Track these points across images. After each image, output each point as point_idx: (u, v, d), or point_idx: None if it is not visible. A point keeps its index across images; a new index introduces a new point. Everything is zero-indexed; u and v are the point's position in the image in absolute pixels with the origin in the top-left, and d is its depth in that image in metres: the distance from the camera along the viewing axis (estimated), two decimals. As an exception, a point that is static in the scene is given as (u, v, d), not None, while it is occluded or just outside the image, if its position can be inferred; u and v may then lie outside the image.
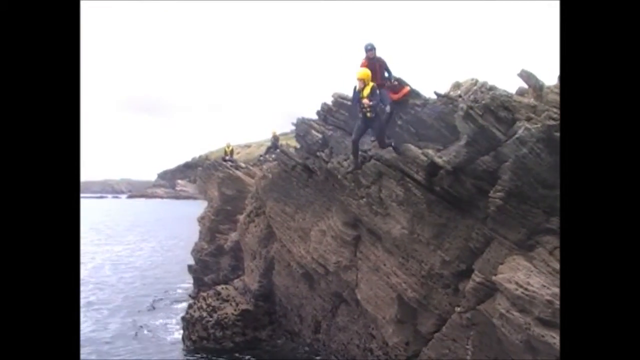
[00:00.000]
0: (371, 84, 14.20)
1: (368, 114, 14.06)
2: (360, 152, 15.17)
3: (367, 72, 14.41)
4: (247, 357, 18.84)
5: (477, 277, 12.57)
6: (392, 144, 14.38)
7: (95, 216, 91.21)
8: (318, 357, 17.85)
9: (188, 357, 19.85)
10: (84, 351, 21.14)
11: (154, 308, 28.18)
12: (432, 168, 13.17)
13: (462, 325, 13.27)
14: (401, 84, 15.82)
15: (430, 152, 13.45)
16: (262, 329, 20.13)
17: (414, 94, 15.67)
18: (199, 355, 19.84)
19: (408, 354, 14.77)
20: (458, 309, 13.30)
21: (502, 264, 11.85)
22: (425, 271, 13.74)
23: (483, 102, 12.32)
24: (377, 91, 14.45)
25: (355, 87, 14.51)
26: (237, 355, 18.96)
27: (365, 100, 14.22)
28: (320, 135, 17.52)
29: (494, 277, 11.72)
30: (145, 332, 23.70)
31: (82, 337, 23.31)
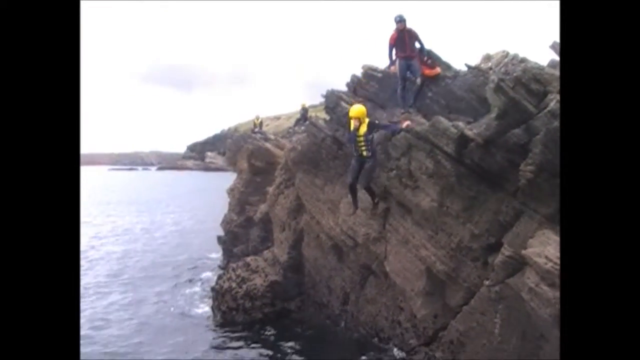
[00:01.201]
0: (367, 120, 13.63)
1: (364, 153, 13.60)
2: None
3: (362, 110, 13.84)
4: (272, 330, 18.99)
5: (506, 250, 12.53)
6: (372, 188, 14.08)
7: (125, 188, 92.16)
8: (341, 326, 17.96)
9: (218, 332, 20.10)
10: (113, 317, 21.50)
11: (183, 279, 28.49)
12: (463, 140, 13.09)
13: (490, 299, 13.26)
14: (433, 60, 15.67)
15: (461, 124, 13.36)
16: (291, 300, 20.27)
17: (444, 66, 15.54)
18: (228, 329, 20.05)
19: (436, 326, 14.81)
20: (487, 283, 13.28)
21: (531, 237, 11.79)
22: (454, 244, 13.73)
23: (514, 74, 12.19)
24: (376, 122, 14.06)
25: (350, 126, 13.89)
26: (265, 327, 19.13)
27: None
28: (349, 107, 17.46)
29: (523, 251, 11.68)
30: (174, 302, 23.99)
31: (111, 304, 23.72)
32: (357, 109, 13.61)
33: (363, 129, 13.44)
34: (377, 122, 14.06)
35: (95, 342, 18.68)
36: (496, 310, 13.28)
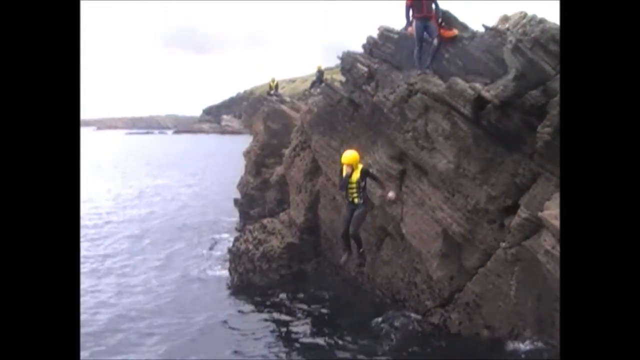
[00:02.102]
0: (360, 166, 13.25)
1: (355, 200, 13.33)
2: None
3: (355, 156, 13.23)
4: (289, 291, 19.14)
5: (523, 213, 12.53)
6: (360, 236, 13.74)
7: (142, 152, 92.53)
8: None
9: (235, 293, 20.29)
10: (132, 281, 21.75)
11: (200, 241, 28.71)
12: (480, 102, 13.01)
13: (506, 261, 13.29)
14: (449, 23, 15.47)
15: (478, 85, 13.25)
16: (307, 262, 20.38)
17: (461, 27, 15.36)
18: (244, 290, 20.22)
19: (452, 288, 14.88)
20: (503, 245, 13.30)
21: (548, 200, 11.78)
22: (470, 206, 13.72)
23: (532, 35, 12.06)
24: (369, 170, 13.63)
25: (343, 172, 13.25)
26: (281, 289, 19.29)
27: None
28: (366, 69, 17.33)
29: (540, 213, 11.67)
30: (191, 264, 24.22)
31: (129, 267, 24.00)
32: (349, 156, 13.08)
33: (356, 175, 12.95)
34: (370, 170, 13.69)
35: (115, 305, 18.95)
36: (512, 273, 13.33)
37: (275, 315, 17.40)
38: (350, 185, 12.98)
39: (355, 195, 13.00)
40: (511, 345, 13.52)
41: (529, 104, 12.11)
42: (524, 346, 13.38)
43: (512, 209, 13.10)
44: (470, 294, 14.39)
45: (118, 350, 15.07)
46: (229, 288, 20.62)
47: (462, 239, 14.13)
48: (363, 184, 13.00)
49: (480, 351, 13.93)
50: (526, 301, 13.29)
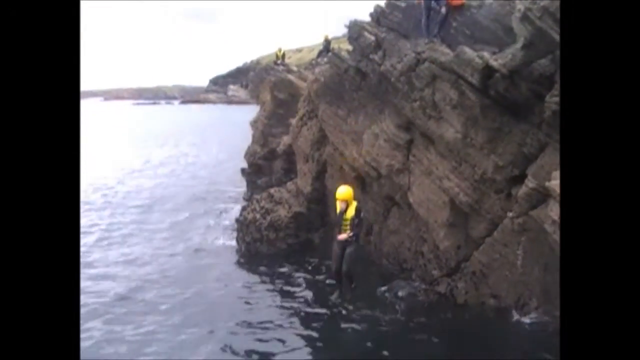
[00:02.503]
0: (354, 203, 13.09)
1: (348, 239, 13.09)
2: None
3: (349, 192, 13.27)
4: (296, 261, 19.21)
5: (530, 182, 12.50)
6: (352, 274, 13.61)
7: (148, 122, 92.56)
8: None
9: (242, 262, 20.38)
10: (141, 251, 21.87)
11: (207, 211, 28.80)
12: (487, 71, 12.92)
13: (513, 231, 13.30)
14: None
15: (486, 54, 13.16)
16: (314, 231, 20.42)
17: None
18: (252, 260, 20.31)
19: (459, 257, 14.92)
20: (510, 215, 13.31)
21: (556, 170, 11.73)
22: (478, 175, 13.70)
23: (541, 3, 11.92)
24: (362, 213, 13.50)
25: (337, 208, 13.32)
26: (289, 258, 19.37)
27: (344, 235, 13.33)
28: (373, 38, 17.21)
29: (547, 183, 11.64)
30: (198, 234, 24.31)
31: (137, 237, 24.11)
32: (344, 192, 13.06)
33: (351, 212, 12.86)
34: (362, 213, 13.55)
35: (124, 275, 19.07)
36: (519, 242, 13.34)
37: (282, 284, 17.47)
38: (344, 222, 12.83)
39: (348, 231, 12.88)
40: (516, 317, 13.60)
41: (538, 73, 12.03)
42: (529, 319, 13.46)
43: (520, 179, 13.08)
44: (477, 264, 14.43)
45: (127, 320, 15.18)
46: (236, 258, 20.71)
47: (469, 209, 14.14)
48: (357, 220, 12.85)
49: (485, 321, 14.01)
50: (532, 271, 13.32)
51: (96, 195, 32.86)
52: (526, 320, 13.47)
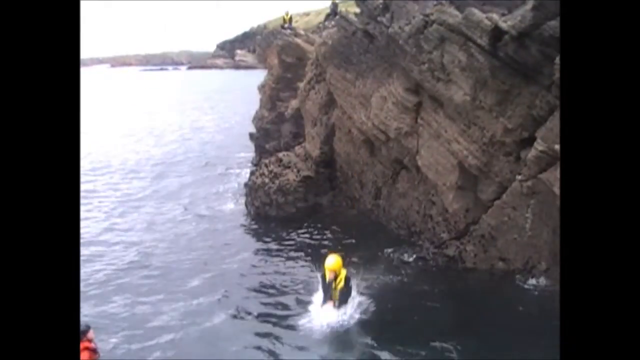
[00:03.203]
0: (343, 272, 12.55)
1: (335, 303, 12.55)
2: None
3: (338, 262, 12.68)
4: (305, 224, 19.27)
5: (539, 145, 12.43)
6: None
7: (156, 88, 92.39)
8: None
9: (251, 226, 20.45)
10: (146, 217, 21.98)
11: (215, 176, 28.86)
12: (497, 33, 12.79)
13: (522, 194, 13.28)
14: None
15: (495, 16, 13.02)
16: (323, 194, 20.44)
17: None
18: (261, 223, 20.38)
19: (467, 220, 14.92)
20: (519, 177, 13.27)
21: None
22: (487, 138, 13.64)
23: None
24: (350, 282, 12.85)
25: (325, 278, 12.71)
26: (297, 221, 19.42)
27: (329, 306, 12.64)
28: (381, 0, 17.04)
29: (556, 146, 11.58)
30: (207, 199, 24.39)
31: (146, 204, 24.22)
32: (333, 263, 12.52)
33: (340, 284, 12.53)
34: (351, 282, 13.00)
35: (137, 244, 19.21)
36: (528, 205, 13.32)
37: (290, 248, 17.56)
38: (333, 292, 12.62)
39: (335, 300, 12.65)
40: (525, 282, 13.64)
41: (547, 35, 11.89)
42: (537, 283, 13.49)
43: (529, 142, 13.01)
44: (486, 227, 14.43)
45: (141, 285, 15.37)
46: (245, 222, 20.78)
47: (478, 172, 14.10)
48: (345, 290, 12.64)
49: (493, 285, 14.06)
50: (541, 234, 13.32)
51: (106, 163, 32.97)
52: (534, 284, 13.52)
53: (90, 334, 11.77)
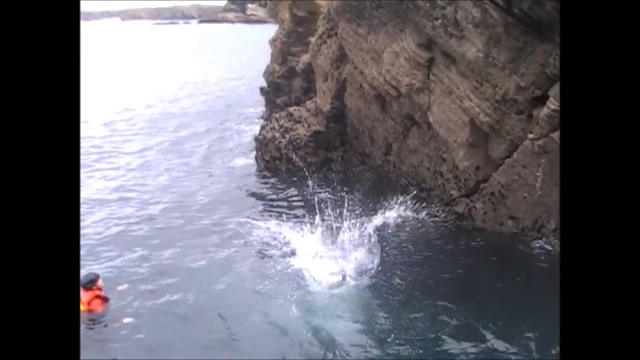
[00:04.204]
0: None
1: None
2: None
3: None
4: (315, 179, 19.30)
5: (552, 104, 12.33)
6: None
7: (167, 42, 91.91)
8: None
9: (262, 179, 20.52)
10: (154, 175, 22.05)
11: (225, 130, 28.88)
12: (512, -12, 12.62)
13: (533, 152, 13.22)
14: None
15: (511, -30, 12.83)
16: (333, 150, 20.44)
17: None
18: (271, 177, 20.46)
19: (478, 178, 14.90)
20: (530, 136, 13.19)
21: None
22: (499, 96, 13.53)
23: None
24: None
25: None
26: (307, 176, 19.45)
27: None
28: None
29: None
30: (217, 153, 24.45)
31: (164, 157, 24.31)
32: None
33: None
34: None
35: (149, 199, 19.30)
36: (539, 164, 13.27)
37: (301, 199, 17.65)
38: None
39: None
40: (533, 243, 13.69)
41: (563, -9, 11.71)
42: (545, 244, 13.53)
43: (541, 100, 12.90)
44: (496, 185, 14.42)
45: (151, 235, 15.55)
46: (255, 175, 20.87)
47: (489, 129, 14.03)
48: None
49: (501, 245, 14.11)
50: (551, 193, 13.29)
51: (119, 119, 33.04)
52: (542, 245, 13.56)
53: (100, 283, 12.04)
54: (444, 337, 10.70)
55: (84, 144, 25.34)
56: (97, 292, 11.88)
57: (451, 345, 10.49)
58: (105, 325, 11.51)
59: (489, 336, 10.61)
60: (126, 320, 11.60)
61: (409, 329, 11.01)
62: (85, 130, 28.20)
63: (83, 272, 11.96)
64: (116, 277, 13.20)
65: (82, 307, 11.54)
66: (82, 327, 11.17)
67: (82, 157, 23.26)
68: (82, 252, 14.25)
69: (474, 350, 10.32)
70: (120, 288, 12.68)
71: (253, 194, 19.05)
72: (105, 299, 12.00)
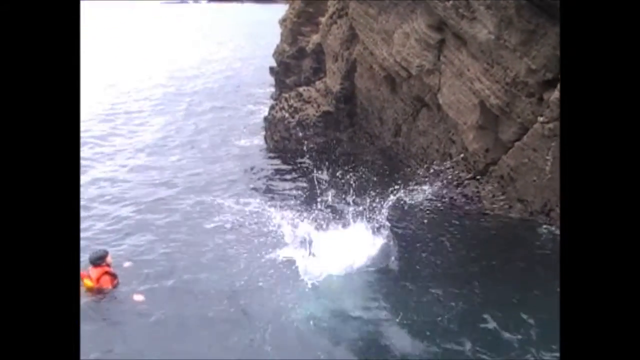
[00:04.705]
0: None
1: None
2: None
3: None
4: (323, 159, 19.30)
5: (563, 86, 12.26)
6: None
7: (176, 21, 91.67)
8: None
9: (271, 159, 20.55)
10: (164, 156, 22.09)
11: (235, 110, 28.89)
12: (525, -31, 12.51)
13: (543, 136, 13.17)
14: None
15: (524, -48, 12.71)
16: (342, 130, 20.38)
17: None
18: (280, 157, 20.47)
19: (487, 160, 14.87)
20: (541, 119, 13.14)
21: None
22: (510, 78, 13.47)
23: None
24: None
25: None
26: (316, 156, 19.46)
27: None
28: None
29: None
30: (227, 132, 24.47)
31: (166, 140, 24.36)
32: None
33: None
34: None
35: (158, 178, 19.39)
36: (549, 148, 13.23)
37: (306, 182, 17.67)
38: None
39: None
40: (542, 227, 13.69)
41: (576, -27, 11.61)
42: (553, 228, 13.53)
43: (552, 83, 12.83)
44: (505, 167, 14.40)
45: (165, 216, 15.66)
46: (263, 155, 20.89)
47: (499, 112, 13.97)
48: None
49: (510, 229, 14.11)
50: (561, 176, 13.25)
51: (129, 99, 33.08)
52: (550, 230, 13.56)
53: (109, 259, 12.14)
54: (449, 320, 10.75)
55: (92, 125, 25.52)
56: (107, 269, 11.98)
57: (457, 328, 10.54)
58: (115, 302, 11.64)
59: (493, 321, 10.66)
60: (137, 297, 11.71)
61: (415, 311, 11.05)
62: (96, 110, 28.39)
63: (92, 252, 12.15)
64: (124, 256, 13.32)
65: (91, 284, 11.65)
66: (92, 303, 11.33)
67: (90, 138, 23.44)
68: (90, 233, 14.54)
69: (477, 334, 10.37)
70: (125, 265, 12.80)
71: (262, 175, 19.08)
72: (114, 276, 12.10)
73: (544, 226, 13.77)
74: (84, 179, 18.34)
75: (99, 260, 11.92)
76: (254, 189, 17.67)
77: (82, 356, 5.06)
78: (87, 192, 17.38)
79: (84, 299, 11.23)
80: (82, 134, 22.37)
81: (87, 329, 9.71)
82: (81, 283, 11.61)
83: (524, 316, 10.68)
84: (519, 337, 10.17)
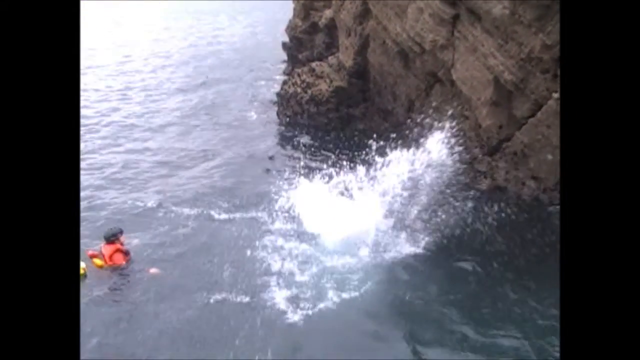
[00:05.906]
0: None
1: None
2: None
3: None
4: (336, 134, 19.32)
5: (578, 62, 12.14)
6: None
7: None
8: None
9: (283, 133, 20.55)
10: (184, 120, 22.11)
11: (247, 85, 28.88)
12: (541, -57, 12.34)
13: (557, 112, 13.06)
14: None
15: None
16: (355, 106, 20.33)
17: None
18: (293, 130, 20.47)
19: (501, 136, 14.79)
20: (555, 95, 13.04)
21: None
22: (524, 54, 13.34)
23: None
24: None
25: None
26: (329, 132, 19.48)
27: None
28: None
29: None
30: (239, 106, 24.47)
31: (182, 112, 24.40)
32: None
33: None
34: None
35: (168, 148, 19.42)
36: (563, 124, 13.12)
37: (319, 158, 17.67)
38: None
39: None
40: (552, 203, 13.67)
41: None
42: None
43: (568, 59, 12.69)
44: (519, 144, 14.31)
45: (180, 194, 15.82)
46: (276, 130, 20.90)
47: (513, 88, 13.86)
48: None
49: (522, 207, 14.09)
50: (575, 153, 13.16)
51: (147, 70, 33.11)
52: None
53: (122, 238, 12.37)
54: (460, 296, 10.83)
55: (104, 106, 25.70)
56: (119, 246, 12.19)
57: (468, 305, 10.62)
58: (129, 277, 11.86)
59: (505, 300, 10.75)
60: (153, 270, 11.91)
61: (427, 288, 11.14)
62: (109, 95, 28.57)
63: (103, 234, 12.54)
64: (134, 235, 13.51)
65: (101, 262, 11.96)
66: (106, 279, 11.58)
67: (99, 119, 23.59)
68: (102, 213, 14.83)
69: (489, 313, 10.45)
70: (134, 242, 13.00)
71: (275, 150, 19.10)
72: (126, 253, 12.29)
73: (556, 207, 13.70)
74: (100, 159, 18.58)
75: (112, 237, 12.20)
76: (267, 165, 17.74)
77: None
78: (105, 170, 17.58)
79: (99, 273, 11.52)
80: (97, 111, 22.51)
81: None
82: (90, 262, 11.88)
83: (531, 296, 10.77)
84: (526, 317, 10.36)
